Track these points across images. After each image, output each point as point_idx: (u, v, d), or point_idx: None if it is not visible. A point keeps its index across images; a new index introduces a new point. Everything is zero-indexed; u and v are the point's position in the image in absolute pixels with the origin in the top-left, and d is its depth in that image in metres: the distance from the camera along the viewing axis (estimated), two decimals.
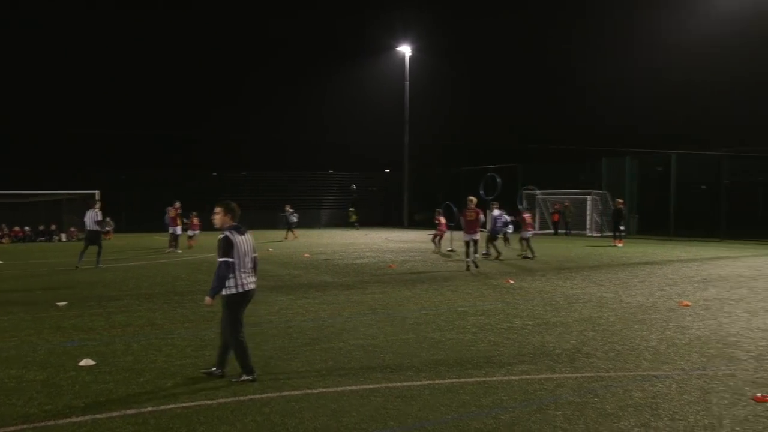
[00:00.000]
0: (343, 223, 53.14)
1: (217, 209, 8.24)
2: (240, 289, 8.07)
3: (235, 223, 8.21)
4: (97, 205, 22.61)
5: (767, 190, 34.03)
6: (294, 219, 38.13)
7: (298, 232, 38.26)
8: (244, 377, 8.05)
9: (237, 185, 53.11)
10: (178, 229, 29.37)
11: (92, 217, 21.91)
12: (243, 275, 8.07)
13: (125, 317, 12.55)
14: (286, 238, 36.94)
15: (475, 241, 20.17)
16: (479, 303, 14.10)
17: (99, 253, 21.83)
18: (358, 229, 49.00)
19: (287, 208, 38.81)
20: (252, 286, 8.22)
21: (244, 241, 8.14)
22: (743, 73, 54.18)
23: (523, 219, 25.43)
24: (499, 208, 25.98)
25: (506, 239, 28.49)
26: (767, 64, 52.11)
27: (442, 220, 28.47)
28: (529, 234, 25.20)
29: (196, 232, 31.55)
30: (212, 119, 74.98)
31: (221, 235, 8.04)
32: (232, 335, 8.10)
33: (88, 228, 22.01)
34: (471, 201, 20.53)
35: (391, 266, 21.75)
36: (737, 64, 55.90)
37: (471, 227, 20.27)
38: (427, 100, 63.98)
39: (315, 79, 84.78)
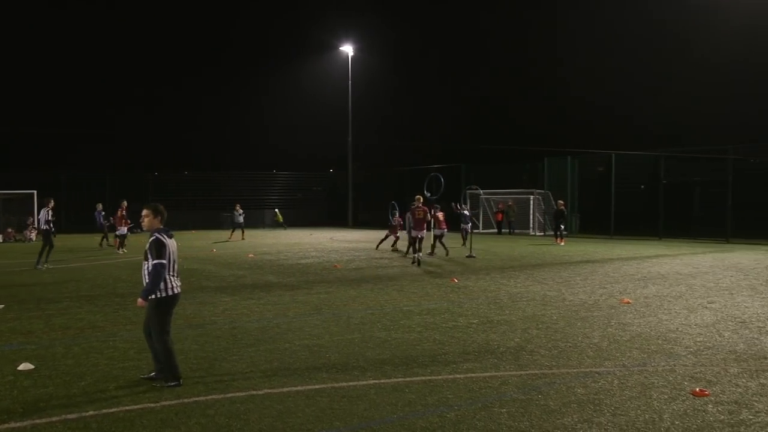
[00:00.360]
0: (274, 223, 51.32)
1: (146, 212, 8.11)
2: (171, 292, 7.95)
3: (163, 226, 8.10)
4: (50, 204, 22.21)
5: (703, 190, 34.82)
6: (241, 219, 37.40)
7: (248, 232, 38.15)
8: (171, 383, 7.85)
9: (179, 185, 52.42)
10: (124, 230, 28.84)
11: (44, 216, 21.71)
12: (173, 278, 7.98)
13: (65, 320, 12.29)
14: (230, 238, 36.56)
15: (421, 239, 20.58)
16: (424, 302, 14.15)
17: (41, 253, 21.40)
18: (286, 229, 47.78)
19: (237, 207, 37.97)
20: (179, 290, 8.13)
21: (172, 244, 8.07)
22: (683, 74, 55.47)
23: (436, 217, 25.61)
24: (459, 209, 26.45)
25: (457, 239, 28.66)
26: (705, 65, 53.44)
27: (397, 219, 28.34)
28: (441, 232, 25.55)
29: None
30: (154, 119, 74.13)
31: (152, 237, 7.90)
32: (160, 340, 7.92)
33: (41, 227, 21.83)
34: (418, 200, 21.06)
35: (336, 266, 21.71)
36: (677, 65, 57.18)
37: (419, 225, 20.79)
38: (371, 100, 64.20)
39: (258, 79, 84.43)
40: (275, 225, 50.39)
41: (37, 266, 21.11)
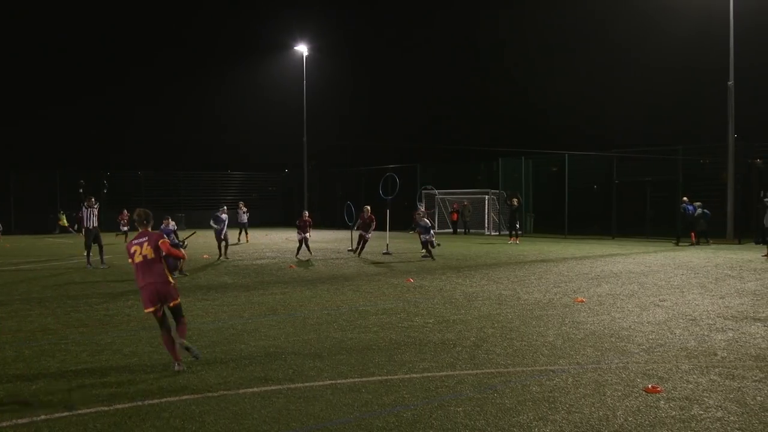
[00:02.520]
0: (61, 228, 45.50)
1: None
2: None
3: None
4: (89, 201, 22.33)
5: (654, 190, 35.35)
6: (245, 219, 34.89)
7: (198, 232, 37.39)
8: None
9: (132, 185, 51.72)
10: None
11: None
12: None
13: (15, 322, 12.06)
14: (239, 240, 34.38)
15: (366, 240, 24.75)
16: (380, 302, 14.16)
17: (88, 253, 22.05)
18: (72, 233, 42.31)
19: (240, 205, 35.34)
20: None
21: None
22: (635, 75, 56.34)
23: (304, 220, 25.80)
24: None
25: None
26: (659, 67, 54.34)
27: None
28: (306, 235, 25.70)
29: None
30: (106, 117, 73.14)
31: None
32: None
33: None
34: (367, 210, 23.12)
35: (292, 267, 21.63)
36: (628, 68, 58.05)
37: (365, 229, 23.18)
38: (326, 100, 64.02)
39: (211, 79, 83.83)
40: (60, 230, 45.18)
41: (88, 266, 21.62)
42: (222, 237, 24.38)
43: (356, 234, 26.66)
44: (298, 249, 24.90)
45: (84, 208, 22.19)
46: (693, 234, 30.16)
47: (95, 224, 22.05)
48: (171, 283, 8.69)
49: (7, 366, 8.86)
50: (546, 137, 54.52)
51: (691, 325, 11.41)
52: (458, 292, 15.51)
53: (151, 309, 8.61)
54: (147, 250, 8.55)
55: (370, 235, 25.52)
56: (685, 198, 30.66)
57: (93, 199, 22.29)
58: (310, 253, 25.06)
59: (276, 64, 59.20)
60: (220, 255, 24.35)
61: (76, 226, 27.70)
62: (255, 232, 44.19)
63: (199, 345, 10.00)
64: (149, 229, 8.81)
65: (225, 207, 25.38)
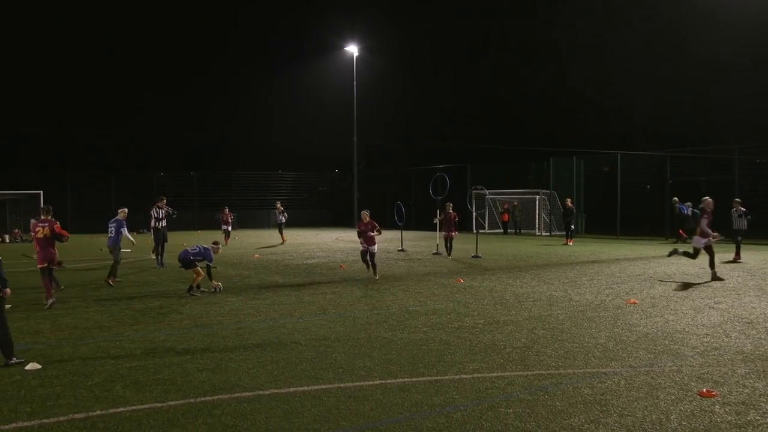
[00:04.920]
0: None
1: None
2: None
3: None
4: (161, 202, 22.92)
5: (709, 189, 34.64)
6: (283, 219, 35.25)
7: (249, 232, 37.79)
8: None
9: (185, 185, 52.40)
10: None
11: (153, 214, 22.76)
12: None
13: (72, 320, 12.33)
14: (283, 241, 34.63)
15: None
16: (430, 302, 14.15)
17: (156, 252, 22.71)
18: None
19: (278, 206, 35.77)
20: None
21: None
22: (689, 73, 55.38)
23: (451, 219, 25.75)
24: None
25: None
26: (712, 64, 53.35)
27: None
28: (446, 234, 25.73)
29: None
30: (159, 120, 74.33)
31: None
32: (5, 325, 9.00)
33: (149, 225, 23.25)
34: (365, 216, 19.58)
35: (342, 266, 21.72)
36: (682, 64, 57.10)
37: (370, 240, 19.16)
38: (376, 99, 64.18)
39: (262, 79, 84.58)
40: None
41: (158, 266, 22.03)
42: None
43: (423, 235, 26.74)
44: (365, 263, 19.30)
45: (156, 209, 22.61)
46: (683, 231, 31.14)
47: (164, 224, 22.48)
48: (56, 253, 13.99)
49: (64, 362, 9.06)
50: (598, 136, 53.85)
51: (748, 328, 11.19)
52: (509, 293, 15.42)
53: (43, 265, 13.62)
54: (46, 231, 13.68)
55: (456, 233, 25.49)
56: (675, 198, 31.73)
57: (165, 200, 22.96)
58: (375, 274, 18.80)
59: (327, 65, 59.53)
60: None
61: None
62: (304, 232, 44.57)
63: (250, 343, 10.12)
64: (50, 217, 13.88)
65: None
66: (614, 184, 37.40)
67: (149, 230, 23.84)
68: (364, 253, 18.92)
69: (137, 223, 35.16)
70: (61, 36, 72.69)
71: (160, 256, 22.27)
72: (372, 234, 18.71)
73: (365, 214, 19.07)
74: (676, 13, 59.45)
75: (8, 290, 9.07)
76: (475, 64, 76.29)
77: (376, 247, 18.90)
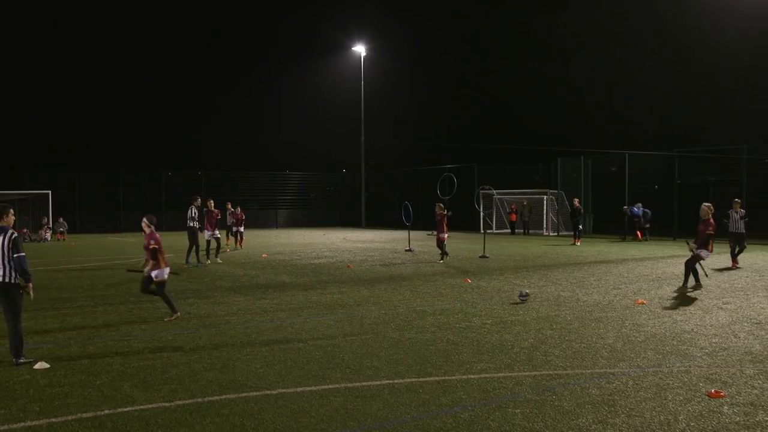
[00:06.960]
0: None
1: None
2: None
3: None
4: (196, 202, 22.82)
5: (717, 189, 34.54)
6: (234, 221, 32.36)
7: (256, 232, 37.71)
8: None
9: (193, 185, 52.53)
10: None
11: (190, 213, 22.60)
12: None
13: (80, 319, 12.36)
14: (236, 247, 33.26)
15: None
16: (438, 302, 14.14)
17: (188, 252, 22.62)
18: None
19: (228, 206, 32.51)
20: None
21: None
22: (695, 74, 55.23)
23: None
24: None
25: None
26: (718, 65, 53.19)
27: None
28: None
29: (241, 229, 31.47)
30: (165, 119, 74.50)
31: (14, 234, 8.91)
32: (20, 322, 8.97)
33: (186, 225, 22.75)
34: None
35: (350, 266, 21.73)
36: (688, 65, 56.96)
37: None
38: (384, 100, 64.24)
39: (270, 79, 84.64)
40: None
41: (187, 263, 22.25)
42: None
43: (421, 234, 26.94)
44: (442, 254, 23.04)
45: (193, 209, 22.56)
46: (639, 233, 33.72)
47: (197, 224, 22.54)
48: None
49: (72, 361, 9.08)
50: (606, 136, 53.77)
51: (756, 329, 11.15)
52: (516, 293, 15.39)
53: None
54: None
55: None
56: (625, 207, 34.85)
57: (199, 200, 22.98)
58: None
59: (334, 65, 59.63)
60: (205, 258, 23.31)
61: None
62: (312, 232, 44.61)
63: (258, 343, 10.13)
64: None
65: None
66: (622, 183, 37.34)
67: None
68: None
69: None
70: (70, 37, 72.98)
71: (197, 255, 22.36)
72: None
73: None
74: (684, 13, 59.30)
75: (31, 284, 9.15)
76: (483, 63, 76.25)
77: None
